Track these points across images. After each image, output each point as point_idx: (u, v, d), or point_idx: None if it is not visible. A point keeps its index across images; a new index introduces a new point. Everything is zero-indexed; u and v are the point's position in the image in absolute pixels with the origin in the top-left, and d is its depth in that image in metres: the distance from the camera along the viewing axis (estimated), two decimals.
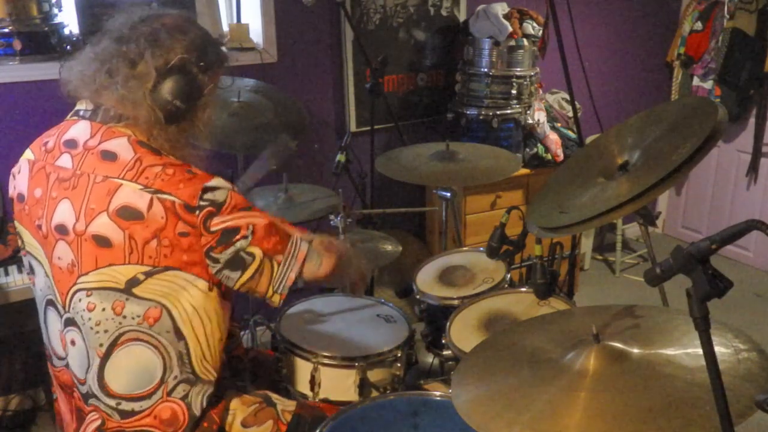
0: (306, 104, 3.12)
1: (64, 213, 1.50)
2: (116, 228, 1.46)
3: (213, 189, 1.49)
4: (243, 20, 3.17)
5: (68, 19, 2.77)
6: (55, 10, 2.71)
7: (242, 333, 3.15)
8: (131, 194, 1.46)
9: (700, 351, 1.04)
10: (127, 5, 1.62)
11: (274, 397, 1.73)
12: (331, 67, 3.32)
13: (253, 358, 1.99)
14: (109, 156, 1.50)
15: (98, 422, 1.54)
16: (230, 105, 2.70)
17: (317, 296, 2.17)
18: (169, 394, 1.54)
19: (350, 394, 1.81)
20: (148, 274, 1.48)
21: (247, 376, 1.93)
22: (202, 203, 1.47)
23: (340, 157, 2.65)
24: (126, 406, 1.53)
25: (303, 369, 1.83)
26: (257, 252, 1.52)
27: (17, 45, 2.59)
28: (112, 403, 1.53)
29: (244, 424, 1.64)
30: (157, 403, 1.53)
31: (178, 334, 1.52)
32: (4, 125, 2.66)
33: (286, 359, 1.87)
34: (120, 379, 1.52)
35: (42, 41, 2.63)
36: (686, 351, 1.22)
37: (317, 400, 1.81)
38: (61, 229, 1.51)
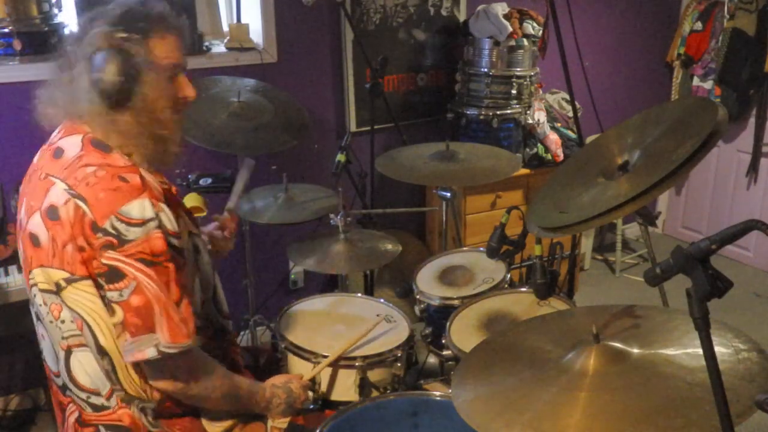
0: (306, 104, 3.11)
1: (22, 209, 1.50)
2: (44, 228, 1.41)
3: (129, 220, 1.36)
4: (243, 20, 3.17)
5: (68, 19, 2.77)
6: (55, 10, 2.71)
7: (242, 333, 3.15)
8: (59, 194, 1.40)
9: (700, 351, 1.04)
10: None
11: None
12: (331, 67, 3.32)
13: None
14: (59, 153, 1.46)
15: (76, 414, 1.52)
16: (230, 105, 2.70)
17: (317, 296, 2.17)
18: (122, 401, 1.50)
19: (350, 394, 1.82)
20: (68, 281, 1.41)
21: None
22: (108, 229, 1.36)
23: (340, 157, 2.64)
24: (96, 400, 1.50)
25: (303, 369, 1.83)
26: (119, 313, 1.39)
27: (17, 45, 2.59)
28: (84, 395, 1.50)
29: None
30: (115, 408, 1.50)
31: (101, 351, 1.45)
32: (4, 125, 2.66)
33: (286, 359, 1.87)
34: (84, 376, 1.49)
35: (42, 41, 2.62)
36: (686, 351, 1.22)
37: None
38: (20, 225, 1.51)
